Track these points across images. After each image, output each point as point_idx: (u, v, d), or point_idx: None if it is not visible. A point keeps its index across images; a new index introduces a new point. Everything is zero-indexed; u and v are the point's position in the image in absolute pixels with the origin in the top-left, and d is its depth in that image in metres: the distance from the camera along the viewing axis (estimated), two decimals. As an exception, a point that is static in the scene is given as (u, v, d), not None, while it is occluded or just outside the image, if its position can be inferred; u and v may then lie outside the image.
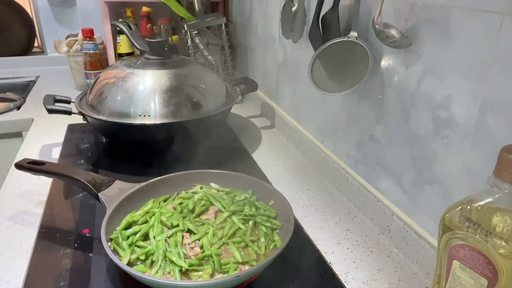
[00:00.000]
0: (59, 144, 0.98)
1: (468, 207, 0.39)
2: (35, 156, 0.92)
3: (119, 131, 0.87)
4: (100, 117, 0.85)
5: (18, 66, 1.70)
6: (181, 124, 0.84)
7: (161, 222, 0.61)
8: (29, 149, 0.95)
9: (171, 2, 1.20)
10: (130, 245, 0.57)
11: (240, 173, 0.73)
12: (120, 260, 0.53)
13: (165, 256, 0.55)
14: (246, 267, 0.54)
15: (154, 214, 0.63)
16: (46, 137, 1.02)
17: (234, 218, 0.63)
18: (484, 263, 0.38)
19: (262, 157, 0.96)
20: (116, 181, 0.68)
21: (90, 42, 1.29)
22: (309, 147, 0.94)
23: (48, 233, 0.66)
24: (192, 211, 0.65)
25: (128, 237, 0.59)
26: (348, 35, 0.65)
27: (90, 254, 0.61)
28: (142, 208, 0.65)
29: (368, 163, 0.73)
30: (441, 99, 0.53)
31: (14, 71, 1.65)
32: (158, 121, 0.83)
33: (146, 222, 0.62)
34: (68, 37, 1.47)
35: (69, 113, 0.88)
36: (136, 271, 0.51)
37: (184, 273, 0.54)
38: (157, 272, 0.53)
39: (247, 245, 0.59)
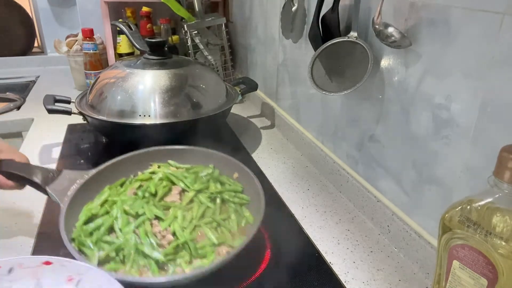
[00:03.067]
0: (59, 144, 0.98)
1: (468, 207, 0.39)
2: (35, 156, 0.92)
3: (119, 131, 0.87)
4: (100, 117, 0.85)
5: (18, 66, 1.70)
6: (181, 124, 0.84)
7: (125, 211, 0.56)
8: (29, 149, 0.95)
9: (171, 2, 1.20)
10: (96, 242, 0.53)
11: (197, 147, 0.70)
12: (88, 261, 0.49)
13: (136, 249, 0.51)
14: (224, 248, 0.53)
15: (114, 203, 0.58)
16: (46, 137, 1.02)
17: (201, 197, 0.60)
18: (484, 263, 0.38)
19: (262, 157, 0.96)
20: (64, 170, 0.63)
21: (90, 42, 1.29)
22: (309, 147, 0.94)
23: (48, 233, 0.66)
24: (155, 194, 0.60)
25: (92, 233, 0.54)
26: (348, 35, 0.65)
27: (90, 254, 0.61)
28: (98, 197, 0.60)
29: (368, 163, 0.73)
30: (441, 99, 0.53)
31: (14, 71, 1.65)
32: (158, 121, 0.83)
33: (107, 213, 0.57)
34: (68, 37, 1.47)
35: (69, 113, 0.88)
36: (109, 271, 0.46)
37: (159, 265, 0.51)
38: (132, 267, 0.50)
39: (219, 225, 0.57)
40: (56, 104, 0.90)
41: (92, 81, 1.00)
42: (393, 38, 0.57)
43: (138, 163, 0.69)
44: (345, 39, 0.65)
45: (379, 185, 0.71)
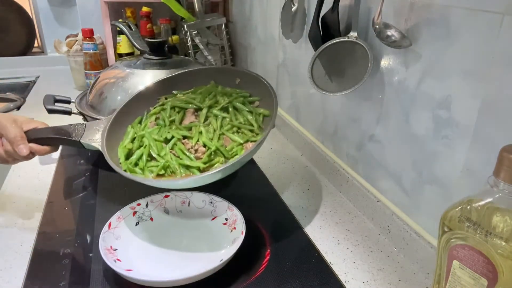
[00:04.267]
0: (59, 144, 0.98)
1: (468, 207, 0.39)
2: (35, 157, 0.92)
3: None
4: (100, 117, 0.85)
5: (18, 66, 1.70)
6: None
7: (155, 140, 0.64)
8: (29, 149, 0.95)
9: (171, 2, 1.20)
10: (143, 169, 0.60)
11: (193, 68, 0.75)
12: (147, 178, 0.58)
13: (179, 164, 0.59)
14: (249, 144, 0.62)
15: (143, 137, 0.65)
16: (46, 137, 1.02)
17: (214, 111, 0.67)
18: (484, 263, 0.38)
19: (262, 157, 0.96)
20: (86, 123, 0.68)
21: (90, 42, 1.29)
22: (309, 147, 0.94)
23: (48, 233, 0.66)
24: (173, 121, 0.67)
25: (136, 163, 0.61)
26: (348, 35, 0.65)
27: (90, 254, 0.61)
28: (126, 136, 0.67)
29: (368, 163, 0.73)
30: (441, 99, 0.53)
31: (14, 71, 1.65)
32: (158, 121, 0.84)
33: (140, 146, 0.64)
34: (68, 37, 1.47)
35: (69, 113, 0.88)
36: (188, 176, 0.58)
37: (202, 172, 0.59)
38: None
39: (239, 128, 0.65)
40: (56, 104, 0.90)
41: (92, 81, 1.00)
42: (393, 38, 0.57)
43: (146, 100, 0.73)
44: (345, 39, 0.65)
45: (379, 185, 0.71)
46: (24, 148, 0.62)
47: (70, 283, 0.55)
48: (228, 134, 0.63)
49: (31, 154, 0.64)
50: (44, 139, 0.64)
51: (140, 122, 0.70)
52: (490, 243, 0.37)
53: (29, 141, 0.63)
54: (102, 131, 0.66)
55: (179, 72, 0.75)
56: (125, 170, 0.60)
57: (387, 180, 0.68)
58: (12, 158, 0.63)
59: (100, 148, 0.63)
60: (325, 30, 0.71)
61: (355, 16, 0.64)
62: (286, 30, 0.89)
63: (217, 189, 0.70)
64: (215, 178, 0.57)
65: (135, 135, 0.66)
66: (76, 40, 1.42)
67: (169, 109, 0.68)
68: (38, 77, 1.60)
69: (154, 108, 0.72)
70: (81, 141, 0.64)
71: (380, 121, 0.67)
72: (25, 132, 0.63)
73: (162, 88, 0.74)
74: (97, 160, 0.91)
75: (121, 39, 1.38)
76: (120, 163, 0.62)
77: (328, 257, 0.63)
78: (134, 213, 0.65)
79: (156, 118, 0.69)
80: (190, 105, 0.68)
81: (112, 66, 0.96)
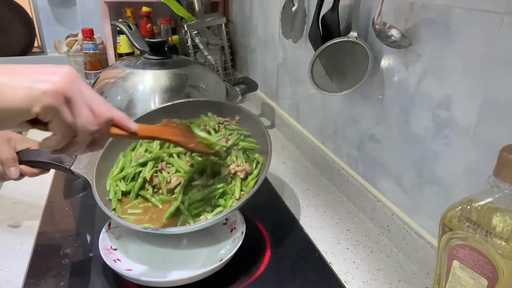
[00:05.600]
0: (59, 144, 0.98)
1: (468, 207, 0.39)
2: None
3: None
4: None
5: (18, 66, 1.70)
6: (181, 124, 0.85)
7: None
8: (29, 149, 0.95)
9: (171, 2, 1.20)
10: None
11: (194, 99, 0.75)
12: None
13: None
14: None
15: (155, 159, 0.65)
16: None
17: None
18: (484, 263, 0.38)
19: (262, 157, 0.96)
20: None
21: (90, 42, 1.29)
22: (309, 147, 0.94)
23: (48, 233, 0.66)
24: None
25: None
26: (348, 35, 0.65)
27: (90, 254, 0.61)
28: (116, 165, 0.66)
29: (368, 163, 0.73)
30: (441, 99, 0.53)
31: (14, 71, 1.64)
32: (158, 121, 0.84)
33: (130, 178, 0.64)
34: (68, 37, 1.47)
35: (69, 113, 0.88)
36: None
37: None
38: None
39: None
40: (56, 104, 0.90)
41: (92, 81, 1.00)
42: (393, 38, 0.57)
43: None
44: (345, 39, 0.65)
45: (379, 185, 0.70)
46: (14, 170, 0.60)
47: (70, 283, 0.55)
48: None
49: (21, 176, 0.62)
50: (36, 162, 0.62)
51: (133, 149, 0.68)
52: (490, 243, 0.36)
53: (20, 162, 0.61)
54: (94, 162, 0.64)
55: (180, 101, 0.74)
56: (114, 209, 0.60)
57: (387, 180, 0.68)
58: (1, 177, 0.61)
59: (88, 179, 0.62)
60: (325, 30, 0.71)
61: (355, 16, 0.64)
62: (286, 30, 0.89)
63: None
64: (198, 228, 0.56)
65: (123, 166, 0.65)
66: (76, 40, 1.42)
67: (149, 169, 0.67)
68: (38, 77, 1.60)
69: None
70: (72, 168, 0.63)
71: (380, 121, 0.67)
72: (17, 153, 0.61)
73: (162, 113, 0.71)
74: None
75: (121, 39, 1.38)
76: (110, 199, 0.61)
77: (328, 257, 0.63)
78: None
79: (146, 150, 0.67)
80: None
81: (112, 66, 0.96)
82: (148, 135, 0.51)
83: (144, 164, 0.65)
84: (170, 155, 0.65)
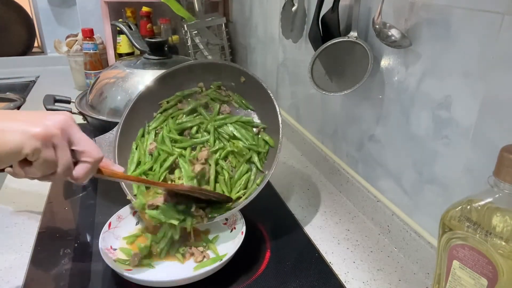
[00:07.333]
0: (59, 144, 0.98)
1: (468, 207, 0.39)
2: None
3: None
4: (100, 117, 0.85)
5: (18, 66, 1.70)
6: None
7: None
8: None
9: (171, 2, 1.20)
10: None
11: (191, 62, 0.77)
12: None
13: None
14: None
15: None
16: (46, 137, 1.02)
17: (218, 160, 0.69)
18: (484, 263, 0.38)
19: (262, 157, 0.96)
20: (95, 139, 0.70)
21: (90, 42, 1.29)
22: (309, 147, 0.94)
23: (48, 233, 0.66)
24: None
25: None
26: (348, 35, 0.65)
27: (90, 254, 0.61)
28: (131, 160, 0.69)
29: (368, 163, 0.73)
30: (441, 99, 0.53)
31: (14, 71, 1.64)
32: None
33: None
34: (68, 37, 1.47)
35: (69, 113, 0.88)
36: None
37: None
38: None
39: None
40: (56, 104, 0.90)
41: (92, 81, 1.00)
42: (393, 38, 0.57)
43: (150, 104, 0.74)
44: (345, 39, 0.65)
45: (379, 185, 0.70)
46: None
47: (70, 283, 0.55)
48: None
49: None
50: None
51: (143, 135, 0.72)
52: (490, 243, 0.37)
53: None
54: (112, 147, 0.68)
55: (179, 66, 0.74)
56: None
57: (387, 180, 0.68)
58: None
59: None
60: (325, 30, 0.71)
61: (355, 16, 0.64)
62: (286, 30, 0.89)
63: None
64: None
65: (139, 159, 0.69)
66: (76, 40, 1.42)
67: (168, 141, 0.71)
68: (38, 77, 1.60)
69: (155, 117, 0.74)
70: None
71: (380, 121, 0.67)
72: None
73: (164, 87, 0.74)
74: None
75: (121, 39, 1.38)
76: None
77: (328, 257, 0.63)
78: (134, 212, 0.65)
79: (156, 134, 0.72)
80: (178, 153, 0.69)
81: (112, 66, 0.96)
82: (135, 179, 0.55)
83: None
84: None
